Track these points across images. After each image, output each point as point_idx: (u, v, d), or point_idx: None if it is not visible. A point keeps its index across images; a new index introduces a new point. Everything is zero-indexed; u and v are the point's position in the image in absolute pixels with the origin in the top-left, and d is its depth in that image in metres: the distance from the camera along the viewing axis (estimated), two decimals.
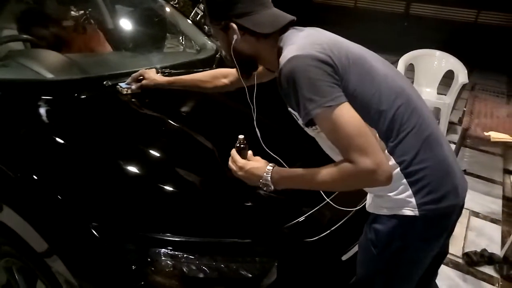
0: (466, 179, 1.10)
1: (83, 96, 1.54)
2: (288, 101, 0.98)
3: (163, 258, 1.03)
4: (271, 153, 1.11)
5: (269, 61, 1.09)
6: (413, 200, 0.99)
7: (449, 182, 1.01)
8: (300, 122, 0.99)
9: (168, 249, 1.04)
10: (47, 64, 1.75)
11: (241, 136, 1.09)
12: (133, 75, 1.66)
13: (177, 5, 4.20)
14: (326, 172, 0.94)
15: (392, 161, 0.98)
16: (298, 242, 1.17)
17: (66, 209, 1.09)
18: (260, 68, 1.26)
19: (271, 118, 1.38)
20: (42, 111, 1.42)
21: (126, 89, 1.60)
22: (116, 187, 1.16)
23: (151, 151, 1.32)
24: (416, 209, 0.98)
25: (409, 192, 0.98)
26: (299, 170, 1.00)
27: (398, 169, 0.98)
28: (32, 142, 1.27)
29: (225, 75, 1.51)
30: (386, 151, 0.98)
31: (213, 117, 1.66)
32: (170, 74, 1.74)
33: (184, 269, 1.03)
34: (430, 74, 4.03)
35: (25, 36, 2.19)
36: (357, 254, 1.16)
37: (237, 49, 1.06)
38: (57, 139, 1.28)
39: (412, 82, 4.20)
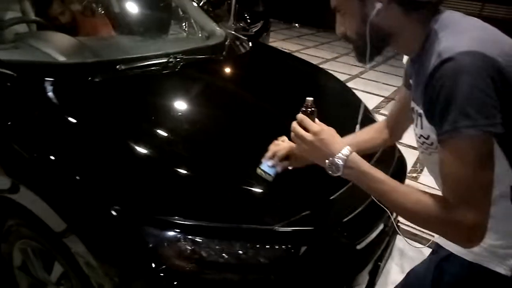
0: None
1: (98, 79, 1.52)
2: (432, 101, 0.73)
3: (183, 242, 1.03)
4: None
5: (409, 44, 0.83)
6: None
7: None
8: (425, 131, 0.80)
9: (188, 233, 1.04)
10: (58, 46, 1.73)
11: (309, 99, 0.90)
12: (274, 154, 1.11)
13: None
14: (410, 198, 0.76)
15: None
16: (317, 229, 1.17)
17: (84, 189, 1.09)
18: None
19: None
20: (59, 92, 1.41)
21: (272, 176, 1.11)
22: (137, 170, 1.16)
23: (172, 135, 1.31)
24: (510, 271, 0.79)
25: None
26: (379, 174, 0.81)
27: None
28: (48, 123, 1.26)
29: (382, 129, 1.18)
30: None
31: (234, 105, 1.66)
32: None
33: (203, 254, 1.04)
34: None
35: (32, 18, 2.16)
36: (404, 278, 1.02)
37: (375, 24, 0.81)
38: (73, 120, 1.27)
39: None
